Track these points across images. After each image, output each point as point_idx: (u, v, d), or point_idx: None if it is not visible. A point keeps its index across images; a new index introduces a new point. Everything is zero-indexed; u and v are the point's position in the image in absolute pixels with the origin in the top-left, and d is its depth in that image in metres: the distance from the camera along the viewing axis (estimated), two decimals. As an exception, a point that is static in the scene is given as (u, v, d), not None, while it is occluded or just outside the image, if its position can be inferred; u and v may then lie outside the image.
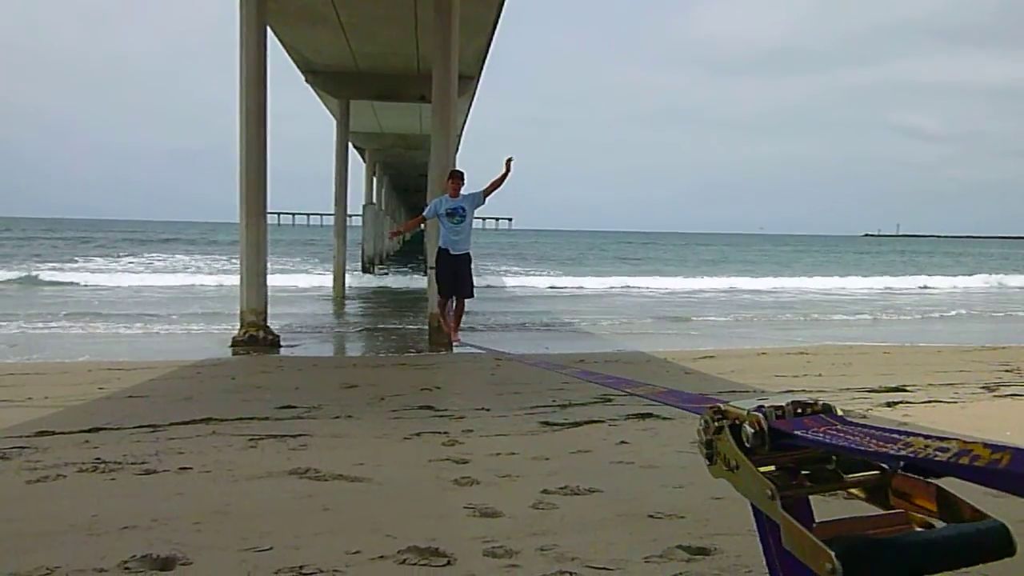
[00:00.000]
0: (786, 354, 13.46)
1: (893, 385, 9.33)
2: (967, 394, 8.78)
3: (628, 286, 34.50)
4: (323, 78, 26.06)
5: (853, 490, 0.83)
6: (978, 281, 39.51)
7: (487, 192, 10.01)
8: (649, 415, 7.36)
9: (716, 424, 0.86)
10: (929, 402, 8.22)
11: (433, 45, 15.45)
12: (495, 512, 4.09)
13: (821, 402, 0.87)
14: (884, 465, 0.81)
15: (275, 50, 20.79)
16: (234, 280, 18.97)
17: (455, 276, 10.15)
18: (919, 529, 0.75)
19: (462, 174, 10.31)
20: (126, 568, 3.22)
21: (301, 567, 3.23)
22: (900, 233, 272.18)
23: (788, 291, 33.60)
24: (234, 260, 25.33)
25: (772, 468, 0.82)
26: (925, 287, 36.87)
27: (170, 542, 3.52)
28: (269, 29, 15.90)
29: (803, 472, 0.85)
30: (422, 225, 12.79)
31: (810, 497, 0.84)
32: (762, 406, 0.85)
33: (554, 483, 4.68)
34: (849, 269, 52.06)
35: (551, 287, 33.94)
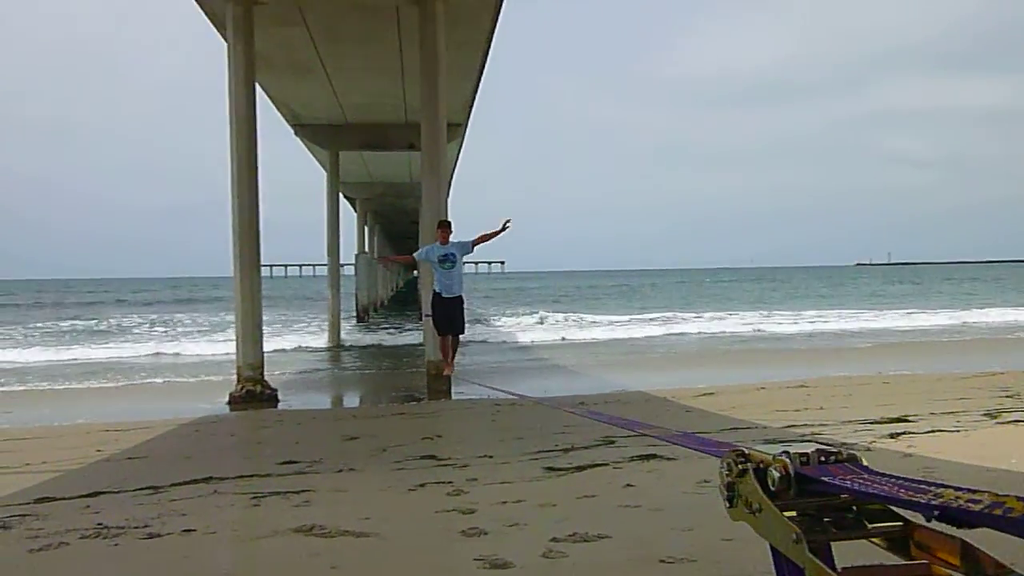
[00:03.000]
0: (786, 387, 13.44)
1: (895, 416, 9.32)
2: (969, 422, 8.77)
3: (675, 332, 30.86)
4: (311, 130, 26.30)
5: (875, 540, 0.84)
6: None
7: (476, 243, 10.53)
8: (653, 456, 7.32)
9: (739, 467, 0.87)
10: (932, 431, 8.21)
11: (421, 92, 15.63)
12: (505, 563, 4.05)
13: (846, 451, 0.88)
14: (907, 516, 0.83)
15: (263, 103, 20.97)
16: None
17: (450, 318, 10.62)
18: None
19: (449, 223, 11.01)
20: (136, 637, 3.18)
21: (313, 629, 3.19)
22: (891, 261, 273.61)
23: (880, 331, 29.61)
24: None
25: (794, 514, 0.83)
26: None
27: (179, 608, 3.47)
28: (258, 85, 16.07)
29: (825, 519, 0.86)
30: (414, 272, 13.26)
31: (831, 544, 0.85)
32: (787, 451, 0.86)
33: (562, 530, 4.64)
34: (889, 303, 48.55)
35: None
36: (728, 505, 0.88)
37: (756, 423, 9.49)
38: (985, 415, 9.18)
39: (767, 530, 0.82)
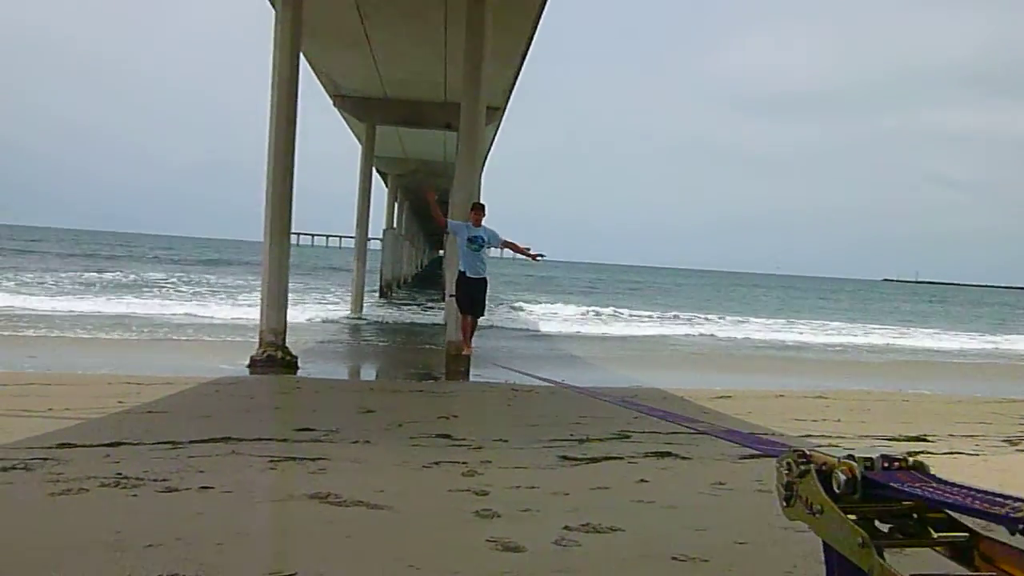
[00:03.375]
0: (804, 397, 13.37)
1: (913, 434, 9.24)
2: (988, 446, 8.69)
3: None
4: (351, 103, 26.37)
5: (939, 549, 0.85)
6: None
7: (506, 244, 10.97)
8: (668, 454, 7.32)
9: (801, 467, 0.88)
10: (950, 453, 8.14)
11: (463, 74, 15.62)
12: (517, 547, 4.07)
13: (911, 459, 0.89)
14: (972, 527, 0.83)
15: (304, 71, 21.04)
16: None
17: (472, 298, 10.99)
18: None
19: (484, 206, 11.09)
20: (152, 587, 3.23)
21: (327, 594, 3.23)
22: (919, 279, 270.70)
23: (904, 348, 29.23)
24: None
25: (854, 518, 0.84)
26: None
27: (194, 562, 3.53)
28: (301, 53, 16.12)
29: (888, 526, 0.86)
30: (440, 251, 13.58)
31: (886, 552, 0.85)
32: (852, 455, 0.87)
33: (575, 520, 4.65)
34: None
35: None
36: (785, 504, 0.88)
37: (773, 430, 9.45)
38: (1005, 441, 9.09)
39: (829, 532, 0.82)
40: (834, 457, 0.86)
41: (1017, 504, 0.72)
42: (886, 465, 0.86)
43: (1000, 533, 0.76)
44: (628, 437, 8.42)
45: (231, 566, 3.58)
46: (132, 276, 44.04)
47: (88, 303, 26.40)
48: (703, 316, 38.64)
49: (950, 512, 0.83)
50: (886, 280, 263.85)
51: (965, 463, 7.68)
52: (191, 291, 36.37)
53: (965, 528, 0.83)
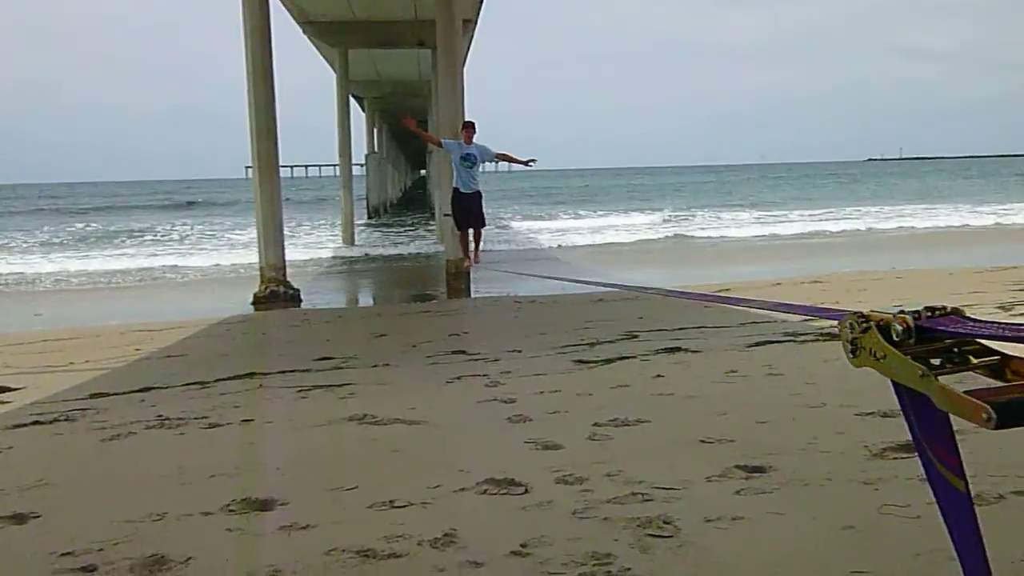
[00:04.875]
0: (800, 283, 13.69)
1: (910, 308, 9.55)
2: (984, 314, 9.00)
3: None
4: (320, 28, 25.87)
5: (978, 371, 1.08)
6: None
7: (499, 157, 11.06)
8: (678, 348, 7.60)
9: (863, 325, 1.10)
10: (947, 323, 8.44)
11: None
12: (555, 445, 4.34)
13: (950, 307, 1.12)
14: (1004, 351, 1.07)
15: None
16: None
17: (469, 211, 11.05)
18: None
19: (473, 124, 11.18)
20: (230, 511, 3.48)
21: (391, 501, 3.49)
22: (903, 156, 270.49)
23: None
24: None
25: (911, 358, 1.07)
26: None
27: (262, 487, 3.78)
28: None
29: (936, 361, 1.09)
30: (421, 171, 13.60)
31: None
32: (903, 310, 1.10)
33: (602, 416, 4.92)
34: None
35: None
36: (852, 356, 1.10)
37: (774, 318, 9.74)
38: (999, 307, 9.41)
39: (894, 372, 1.05)
40: (888, 313, 1.07)
41: None
42: (929, 314, 1.08)
43: None
44: (636, 337, 8.71)
45: (295, 487, 3.84)
46: (117, 226, 43.27)
47: (76, 263, 25.08)
48: (685, 214, 39.01)
49: (984, 342, 1.05)
50: (870, 160, 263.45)
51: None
52: (182, 237, 35.82)
53: (997, 353, 1.05)
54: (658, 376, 6.36)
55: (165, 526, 3.41)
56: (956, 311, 1.11)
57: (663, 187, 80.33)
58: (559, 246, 26.45)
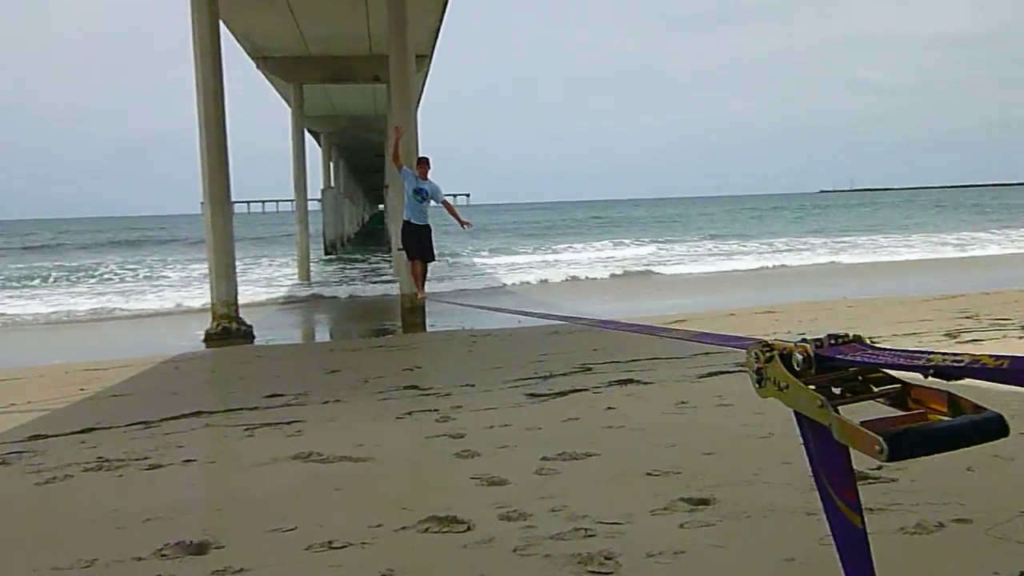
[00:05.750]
0: (754, 313, 13.82)
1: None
2: (931, 342, 9.16)
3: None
4: (274, 64, 25.85)
5: (880, 400, 1.07)
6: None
7: (445, 204, 11.45)
8: (630, 380, 7.59)
9: (767, 355, 1.08)
10: (895, 351, 8.56)
11: (388, 24, 15.45)
12: (501, 480, 4.29)
13: (852, 334, 1.11)
14: (904, 379, 1.06)
15: (225, 36, 20.55)
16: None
17: (420, 243, 11.42)
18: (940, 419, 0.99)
19: (428, 160, 11.51)
20: (163, 555, 3.37)
21: (330, 542, 3.40)
22: (854, 188, 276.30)
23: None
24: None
25: (813, 387, 1.05)
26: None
27: (198, 528, 3.67)
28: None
29: (839, 389, 1.08)
30: (379, 206, 13.83)
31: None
32: (805, 339, 1.09)
33: (551, 450, 4.88)
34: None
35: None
36: (758, 386, 1.08)
37: (726, 348, 9.80)
38: (946, 335, 9.57)
39: (795, 402, 1.03)
40: (791, 343, 1.06)
41: (929, 356, 0.94)
42: (832, 342, 1.07)
43: (932, 379, 0.98)
44: (590, 369, 8.69)
45: (233, 529, 3.73)
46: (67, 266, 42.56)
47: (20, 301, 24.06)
48: (639, 246, 39.33)
49: (885, 370, 1.04)
50: (822, 192, 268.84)
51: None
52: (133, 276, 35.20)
53: (898, 381, 1.04)
54: (609, 408, 6.34)
55: (93, 573, 3.28)
56: (858, 338, 1.10)
57: (626, 220, 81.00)
58: (521, 282, 26.47)
